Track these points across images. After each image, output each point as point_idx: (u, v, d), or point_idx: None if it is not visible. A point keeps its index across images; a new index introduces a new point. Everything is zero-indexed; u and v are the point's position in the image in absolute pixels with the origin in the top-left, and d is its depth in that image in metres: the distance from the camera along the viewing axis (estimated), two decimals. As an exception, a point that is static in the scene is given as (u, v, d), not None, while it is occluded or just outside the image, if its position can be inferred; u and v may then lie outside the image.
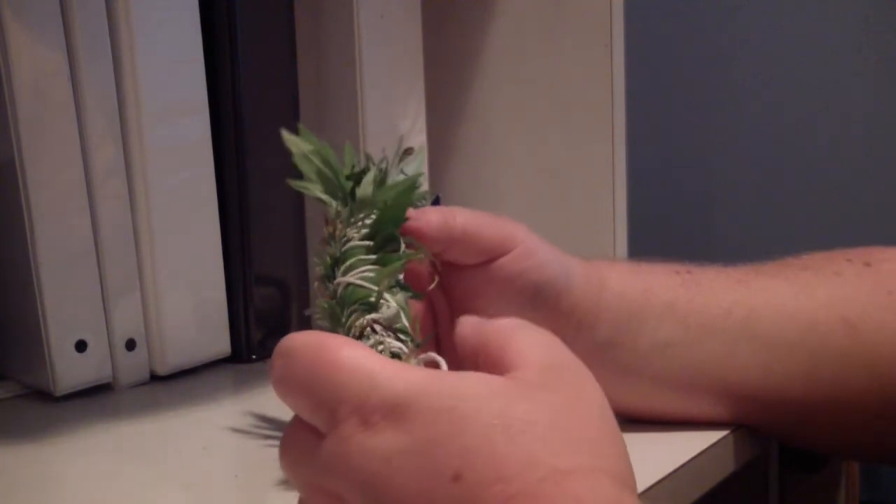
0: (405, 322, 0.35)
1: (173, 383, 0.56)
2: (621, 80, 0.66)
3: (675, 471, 0.40)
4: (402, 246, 0.39)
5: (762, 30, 1.20)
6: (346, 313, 0.36)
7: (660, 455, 0.41)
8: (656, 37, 1.22)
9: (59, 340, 0.52)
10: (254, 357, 0.60)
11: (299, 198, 0.62)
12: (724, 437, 0.43)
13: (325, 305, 0.38)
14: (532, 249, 0.41)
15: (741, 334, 0.42)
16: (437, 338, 0.43)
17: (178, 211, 0.56)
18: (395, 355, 0.33)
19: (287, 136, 0.42)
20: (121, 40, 0.53)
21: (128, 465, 0.44)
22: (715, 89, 1.23)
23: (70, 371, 0.52)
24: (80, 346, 0.52)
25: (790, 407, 0.42)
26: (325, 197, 0.42)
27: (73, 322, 0.52)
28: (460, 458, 0.26)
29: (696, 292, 0.43)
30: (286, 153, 0.61)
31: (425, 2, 0.67)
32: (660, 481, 0.39)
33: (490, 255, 0.41)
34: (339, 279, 0.37)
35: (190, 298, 0.57)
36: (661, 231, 1.14)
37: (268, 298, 0.60)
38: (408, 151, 0.44)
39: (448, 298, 0.43)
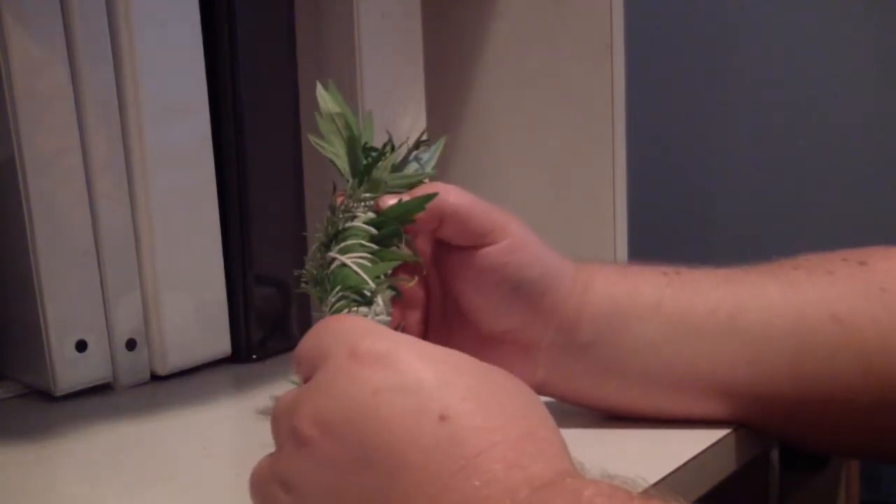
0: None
1: (173, 383, 0.56)
2: (621, 80, 0.66)
3: (676, 470, 0.40)
4: (403, 243, 0.40)
5: (762, 30, 1.20)
6: (336, 293, 0.37)
7: (660, 455, 0.41)
8: (656, 37, 1.22)
9: (59, 340, 0.52)
10: (254, 357, 0.60)
11: (299, 198, 0.62)
12: (725, 437, 0.43)
13: (314, 273, 0.40)
14: (519, 246, 0.42)
15: (727, 330, 0.42)
16: (426, 309, 0.45)
17: (178, 211, 0.56)
18: None
19: (320, 91, 0.43)
20: (121, 40, 0.53)
21: (128, 465, 0.44)
22: (715, 89, 1.23)
23: (70, 371, 0.52)
24: (80, 346, 0.52)
25: (780, 403, 0.42)
26: (339, 162, 0.43)
27: (73, 322, 0.52)
28: (448, 403, 0.29)
29: (682, 291, 0.43)
30: (286, 153, 0.61)
31: (425, 2, 0.67)
32: (660, 481, 0.39)
33: (477, 241, 0.42)
34: (336, 255, 0.38)
35: (190, 298, 0.57)
36: (661, 231, 1.14)
37: (268, 298, 0.60)
38: (424, 142, 0.44)
39: (440, 276, 0.44)
